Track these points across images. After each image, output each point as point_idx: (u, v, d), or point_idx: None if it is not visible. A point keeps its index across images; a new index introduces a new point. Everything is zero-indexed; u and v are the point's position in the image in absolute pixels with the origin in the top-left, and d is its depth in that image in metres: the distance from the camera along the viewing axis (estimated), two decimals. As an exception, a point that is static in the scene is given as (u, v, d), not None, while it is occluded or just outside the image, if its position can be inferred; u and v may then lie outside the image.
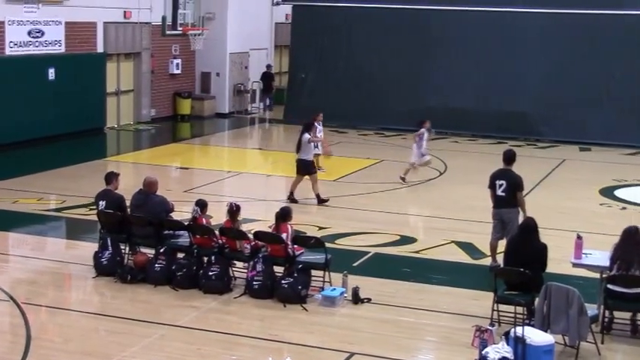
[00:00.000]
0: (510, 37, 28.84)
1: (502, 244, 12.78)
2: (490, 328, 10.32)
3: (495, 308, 10.98)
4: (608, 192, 20.30)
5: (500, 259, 12.68)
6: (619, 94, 27.67)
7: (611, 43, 27.78)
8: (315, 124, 19.86)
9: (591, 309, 10.38)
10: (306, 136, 18.08)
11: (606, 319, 11.00)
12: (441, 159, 23.82)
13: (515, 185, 13.38)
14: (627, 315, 11.11)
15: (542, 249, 11.07)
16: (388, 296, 12.26)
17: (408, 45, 29.79)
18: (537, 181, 20.88)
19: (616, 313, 11.11)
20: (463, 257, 14.56)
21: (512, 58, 28.76)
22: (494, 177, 13.60)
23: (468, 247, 14.98)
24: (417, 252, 14.80)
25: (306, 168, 18.10)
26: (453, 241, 15.39)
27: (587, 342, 10.26)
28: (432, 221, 17.09)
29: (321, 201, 17.91)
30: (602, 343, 10.56)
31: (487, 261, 13.83)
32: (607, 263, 11.03)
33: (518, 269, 10.84)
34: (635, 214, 17.84)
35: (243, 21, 32.57)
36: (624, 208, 18.68)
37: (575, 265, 11.53)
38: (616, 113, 27.63)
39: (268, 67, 34.91)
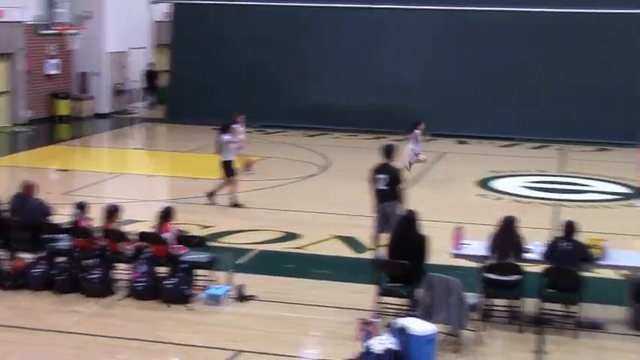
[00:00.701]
0: (389, 35, 29.30)
1: (385, 237, 12.97)
2: (374, 320, 10.45)
3: (379, 300, 11.16)
4: (484, 183, 20.89)
5: (383, 252, 12.87)
6: (494, 87, 28.48)
7: (486, 38, 28.58)
8: (237, 125, 19.79)
9: (471, 298, 10.66)
10: (225, 137, 17.83)
11: (486, 307, 11.31)
12: (322, 155, 24.02)
13: (395, 178, 13.61)
14: (505, 302, 11.44)
15: (423, 240, 11.28)
16: (273, 293, 12.29)
17: (290, 43, 29.94)
18: (417, 174, 21.27)
19: (495, 301, 11.42)
20: (346, 251, 14.74)
21: (391, 55, 29.23)
22: (375, 171, 13.81)
23: (350, 242, 15.17)
24: (300, 248, 14.90)
25: (228, 169, 17.86)
26: (336, 236, 15.55)
27: (468, 330, 10.54)
28: (315, 217, 17.21)
29: (211, 199, 17.75)
30: (483, 330, 10.86)
31: (370, 254, 14.02)
32: (485, 252, 11.36)
33: (400, 261, 11.06)
34: (510, 204, 18.44)
35: (121, 20, 32.06)
36: (499, 199, 19.26)
37: (454, 255, 11.82)
38: (492, 107, 28.41)
39: (151, 65, 34.53)
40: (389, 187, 13.61)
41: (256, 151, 24.50)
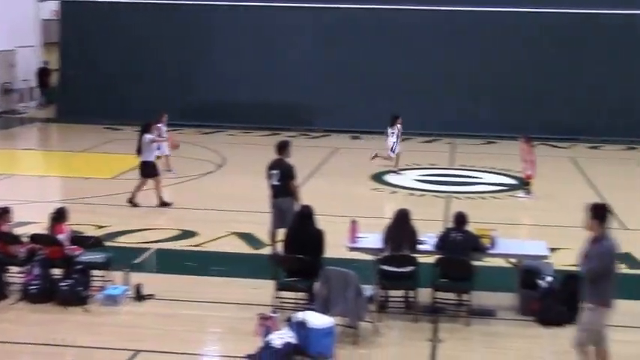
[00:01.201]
0: (284, 33, 29.41)
1: (282, 233, 13.07)
2: (273, 315, 10.55)
3: (277, 295, 11.27)
4: (378, 177, 21.24)
5: (280, 247, 12.97)
6: (386, 84, 28.90)
7: (378, 36, 28.99)
8: (160, 125, 19.85)
9: (368, 290, 10.87)
10: (148, 136, 17.62)
11: (382, 298, 11.56)
12: (218, 152, 23.98)
13: (287, 174, 13.74)
14: (401, 293, 11.70)
15: (319, 235, 11.44)
16: (171, 291, 12.26)
17: (183, 40, 29.72)
18: (312, 170, 21.50)
19: (391, 292, 11.67)
20: (244, 248, 14.80)
21: (285, 52, 29.37)
22: (269, 167, 13.93)
23: (248, 238, 15.23)
24: (198, 245, 14.88)
25: (148, 170, 17.62)
26: (233, 233, 15.59)
27: (366, 321, 10.74)
28: (211, 214, 17.21)
29: (163, 204, 17.55)
30: (380, 321, 11.08)
31: (268, 250, 14.12)
32: (380, 245, 11.59)
33: (297, 256, 11.19)
34: (404, 197, 18.82)
35: (7, 17, 31.24)
36: (394, 192, 19.63)
37: (350, 248, 12.02)
38: (383, 102, 28.79)
39: (45, 63, 33.83)
40: (281, 183, 13.73)
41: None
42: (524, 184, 19.62)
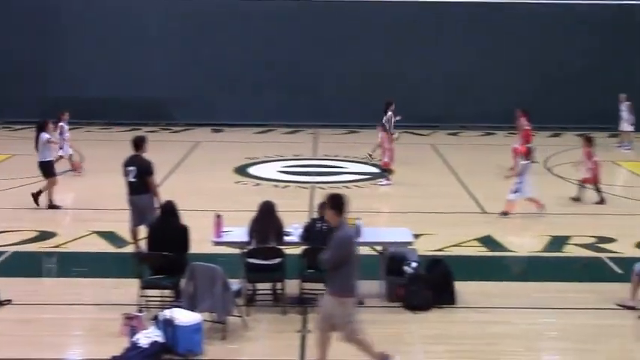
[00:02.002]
0: (138, 25, 28.88)
1: (145, 230, 12.79)
2: (139, 314, 10.34)
3: (142, 294, 11.02)
4: (242, 170, 21.15)
5: (143, 244, 12.70)
6: (244, 74, 28.79)
7: (236, 26, 28.83)
8: (61, 123, 19.64)
9: (235, 284, 10.77)
10: (44, 136, 17.00)
11: (250, 292, 11.47)
12: (75, 149, 23.32)
13: (144, 170, 13.44)
14: (269, 285, 11.65)
15: (184, 231, 11.27)
16: (31, 295, 11.85)
17: (34, 32, 28.72)
18: (174, 165, 21.21)
19: (259, 285, 11.60)
20: (105, 247, 14.45)
21: (141, 45, 28.84)
22: (125, 164, 13.61)
23: (109, 237, 14.88)
24: (57, 246, 14.43)
25: (44, 170, 16.97)
26: (94, 232, 15.20)
27: (234, 316, 10.63)
28: (71, 213, 16.79)
29: (52, 206, 16.93)
30: (248, 315, 11.00)
31: (130, 248, 13.80)
32: (246, 238, 11.49)
33: (162, 253, 10.97)
34: (268, 189, 18.79)
35: None
36: (258, 184, 19.58)
37: (216, 243, 11.88)
38: (245, 94, 28.76)
39: None
40: (138, 179, 13.46)
41: (3, 149, 23.52)
42: (383, 171, 19.98)
